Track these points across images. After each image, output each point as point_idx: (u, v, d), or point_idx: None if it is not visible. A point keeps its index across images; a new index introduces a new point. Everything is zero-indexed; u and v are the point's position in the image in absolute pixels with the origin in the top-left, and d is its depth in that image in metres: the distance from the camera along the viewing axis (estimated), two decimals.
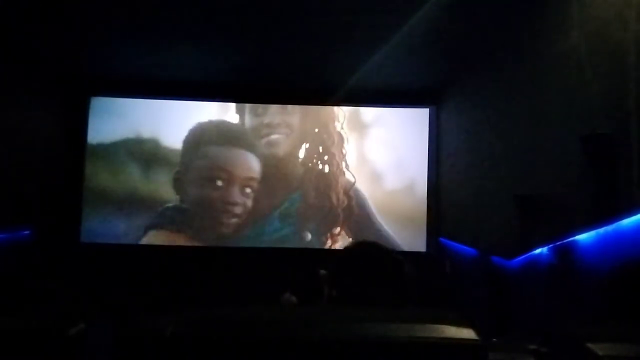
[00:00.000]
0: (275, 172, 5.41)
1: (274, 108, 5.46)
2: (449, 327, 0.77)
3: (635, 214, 2.22)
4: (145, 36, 4.25)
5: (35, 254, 4.52)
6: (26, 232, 4.55)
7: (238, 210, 5.34)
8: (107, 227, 5.30)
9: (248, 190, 5.37)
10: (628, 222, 2.28)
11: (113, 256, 5.06)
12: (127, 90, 5.34)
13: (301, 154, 5.46)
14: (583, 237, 2.64)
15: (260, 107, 5.45)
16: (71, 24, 4.00)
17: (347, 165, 5.46)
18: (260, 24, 3.90)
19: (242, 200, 5.34)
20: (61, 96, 5.14)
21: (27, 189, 4.50)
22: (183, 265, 5.12)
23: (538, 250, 3.15)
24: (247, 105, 5.47)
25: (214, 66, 4.89)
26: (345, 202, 5.41)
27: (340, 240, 5.38)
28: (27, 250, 4.47)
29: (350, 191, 5.42)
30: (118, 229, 5.30)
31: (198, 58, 4.71)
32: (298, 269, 4.94)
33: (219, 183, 5.35)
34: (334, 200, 5.40)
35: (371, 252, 1.31)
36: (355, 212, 5.40)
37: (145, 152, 5.39)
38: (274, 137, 5.43)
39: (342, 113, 5.50)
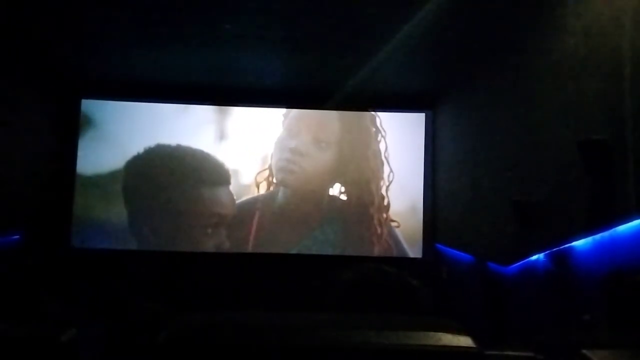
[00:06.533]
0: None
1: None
2: (445, 334, 0.76)
3: (631, 220, 2.22)
4: (141, 38, 4.25)
5: (25, 259, 4.48)
6: (16, 236, 4.51)
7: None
8: (98, 231, 5.26)
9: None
10: (624, 228, 2.28)
11: (105, 261, 5.01)
12: (119, 93, 5.32)
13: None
14: (580, 243, 2.64)
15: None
16: (65, 25, 3.99)
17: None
18: (258, 27, 3.90)
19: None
20: (53, 98, 5.11)
21: (17, 192, 4.46)
22: (177, 270, 5.09)
23: (535, 257, 3.15)
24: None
25: (208, 69, 4.88)
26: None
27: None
28: (16, 255, 4.43)
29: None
30: (110, 233, 5.27)
31: (193, 60, 4.71)
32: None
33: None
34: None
35: (379, 282, 1.06)
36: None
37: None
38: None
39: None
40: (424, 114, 5.51)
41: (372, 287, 1.05)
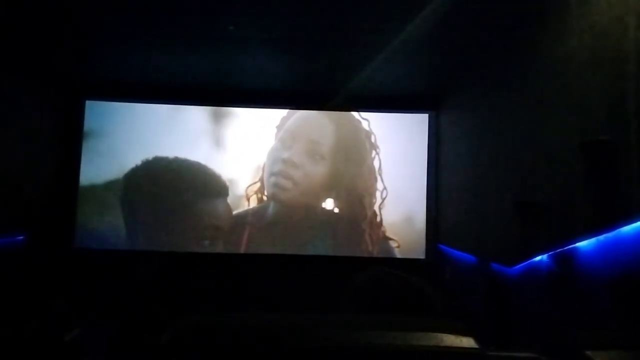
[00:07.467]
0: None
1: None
2: (448, 335, 0.76)
3: (635, 220, 2.21)
4: (142, 40, 4.26)
5: (29, 258, 4.50)
6: (20, 237, 4.53)
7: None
8: (101, 232, 5.26)
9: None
10: (628, 229, 2.28)
11: (107, 261, 5.03)
12: (124, 94, 5.33)
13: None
14: (583, 244, 2.63)
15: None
16: (68, 27, 4.01)
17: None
18: (259, 28, 3.91)
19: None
20: (56, 100, 5.13)
21: (21, 193, 4.48)
22: (178, 271, 5.09)
23: (538, 258, 3.14)
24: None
25: (208, 70, 4.89)
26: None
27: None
28: (21, 256, 4.45)
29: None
30: (112, 233, 5.27)
31: (193, 62, 4.72)
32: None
33: None
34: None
35: (392, 286, 1.03)
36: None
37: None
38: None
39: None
40: (427, 115, 5.51)
41: (385, 291, 1.02)
